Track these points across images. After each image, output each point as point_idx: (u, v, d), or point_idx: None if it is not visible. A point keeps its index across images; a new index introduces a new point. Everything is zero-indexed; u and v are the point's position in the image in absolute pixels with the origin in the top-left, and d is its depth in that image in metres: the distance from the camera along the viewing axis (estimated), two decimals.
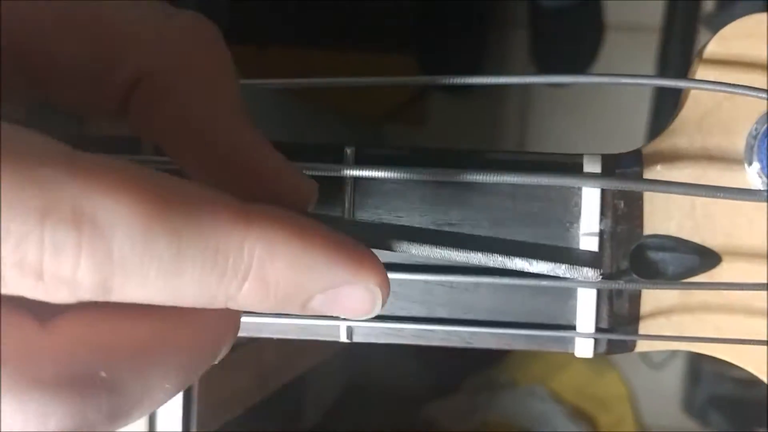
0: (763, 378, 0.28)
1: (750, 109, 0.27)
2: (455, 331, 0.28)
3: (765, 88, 0.26)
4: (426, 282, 0.28)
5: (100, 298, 0.16)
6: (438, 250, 0.22)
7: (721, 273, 0.28)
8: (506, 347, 0.28)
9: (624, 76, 0.27)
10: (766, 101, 0.27)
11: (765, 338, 0.28)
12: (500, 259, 0.22)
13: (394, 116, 1.19)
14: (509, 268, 0.22)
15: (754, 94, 0.26)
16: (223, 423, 0.51)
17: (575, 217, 0.27)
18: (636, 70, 1.13)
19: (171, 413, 0.46)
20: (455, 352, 1.16)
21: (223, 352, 0.20)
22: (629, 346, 0.28)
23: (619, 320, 0.27)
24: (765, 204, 0.28)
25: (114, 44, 0.20)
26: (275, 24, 1.05)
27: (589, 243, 0.27)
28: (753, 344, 0.27)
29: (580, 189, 0.27)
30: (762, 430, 0.99)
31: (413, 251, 0.22)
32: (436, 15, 1.15)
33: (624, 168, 0.27)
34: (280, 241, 0.17)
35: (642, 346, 0.28)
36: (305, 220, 0.18)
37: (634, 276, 0.27)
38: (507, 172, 0.25)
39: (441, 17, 1.15)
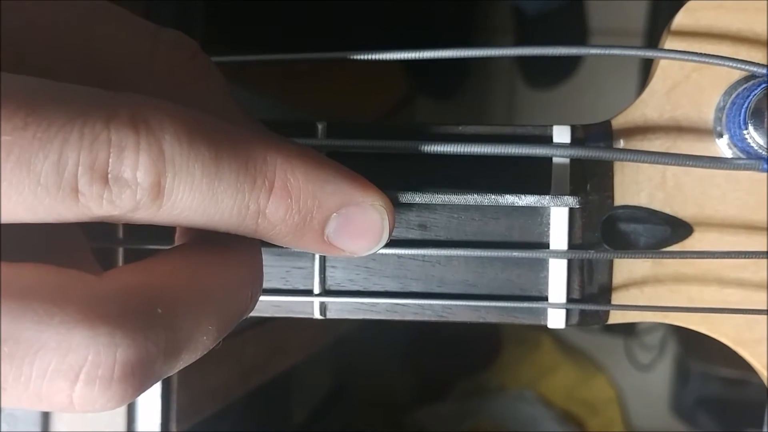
0: (736, 349, 0.28)
1: (718, 80, 0.28)
2: (428, 304, 0.28)
3: (734, 58, 0.26)
4: (399, 257, 0.28)
5: (155, 206, 0.18)
6: (439, 196, 0.25)
7: (693, 243, 0.28)
8: (480, 320, 0.28)
9: (594, 47, 0.27)
10: (733, 72, 0.27)
11: (738, 307, 0.28)
12: (493, 197, 0.25)
13: (383, 121, 1.20)
14: (501, 204, 0.25)
15: (725, 63, 0.26)
16: (204, 418, 0.50)
17: (545, 188, 0.27)
18: (620, 74, 1.14)
19: (149, 409, 0.46)
20: (444, 357, 1.16)
21: (251, 307, 0.22)
22: (602, 317, 0.28)
23: (592, 291, 0.27)
24: (736, 174, 0.28)
25: (107, 67, 0.21)
26: (270, 33, 1.05)
27: (559, 214, 0.27)
28: (726, 312, 0.27)
29: (550, 160, 0.27)
30: (751, 431, 0.99)
31: (417, 200, 0.25)
32: (422, 21, 1.16)
33: (593, 139, 0.27)
34: (295, 156, 0.20)
35: (615, 317, 0.28)
36: (314, 150, 0.21)
37: (606, 247, 0.27)
38: (476, 143, 0.26)
39: (427, 23, 1.16)
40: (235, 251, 0.22)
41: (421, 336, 1.18)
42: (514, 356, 1.18)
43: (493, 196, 0.25)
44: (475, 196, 0.25)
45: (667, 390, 1.16)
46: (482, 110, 1.22)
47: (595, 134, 0.27)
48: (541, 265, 0.27)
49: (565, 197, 0.25)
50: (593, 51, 0.26)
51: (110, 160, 0.17)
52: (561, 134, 0.27)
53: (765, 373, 0.28)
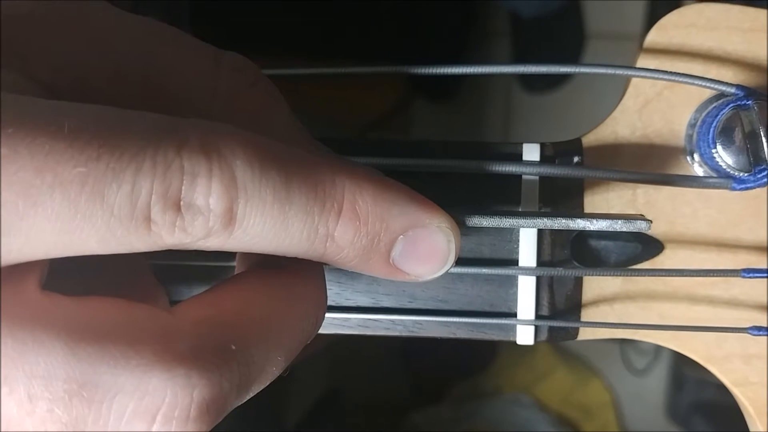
0: (706, 365, 0.28)
1: (690, 98, 0.28)
2: (399, 320, 0.28)
3: (704, 76, 0.26)
4: None
5: (226, 233, 0.18)
6: (508, 220, 0.24)
7: (664, 261, 0.28)
8: (451, 336, 0.28)
9: (564, 66, 0.27)
10: (705, 90, 0.27)
11: (708, 325, 0.28)
12: (564, 221, 0.24)
13: (379, 125, 1.20)
14: (572, 228, 0.24)
15: (695, 82, 0.26)
16: None
17: (515, 205, 0.27)
18: (617, 78, 1.14)
19: None
20: (440, 360, 1.16)
21: (315, 332, 0.22)
22: (572, 334, 0.28)
23: (561, 308, 0.28)
24: (707, 192, 0.28)
25: (170, 91, 0.21)
26: (258, 34, 1.05)
27: (528, 231, 0.27)
28: (696, 330, 0.27)
29: (520, 177, 0.27)
30: None
31: (484, 224, 0.23)
32: (420, 24, 1.16)
33: (564, 156, 0.27)
34: (363, 178, 0.20)
35: (585, 333, 0.28)
36: (379, 172, 0.21)
37: (575, 264, 0.27)
38: (445, 158, 0.26)
39: (425, 26, 1.16)
40: (300, 277, 0.21)
41: (417, 339, 1.18)
42: (510, 360, 1.18)
43: (563, 220, 0.24)
44: (545, 219, 0.24)
45: (663, 394, 1.16)
46: (479, 114, 1.22)
47: (566, 152, 0.27)
48: (511, 282, 0.27)
49: (638, 221, 0.23)
50: (563, 70, 0.27)
51: (183, 188, 0.17)
52: (530, 152, 0.27)
53: (734, 390, 0.28)
